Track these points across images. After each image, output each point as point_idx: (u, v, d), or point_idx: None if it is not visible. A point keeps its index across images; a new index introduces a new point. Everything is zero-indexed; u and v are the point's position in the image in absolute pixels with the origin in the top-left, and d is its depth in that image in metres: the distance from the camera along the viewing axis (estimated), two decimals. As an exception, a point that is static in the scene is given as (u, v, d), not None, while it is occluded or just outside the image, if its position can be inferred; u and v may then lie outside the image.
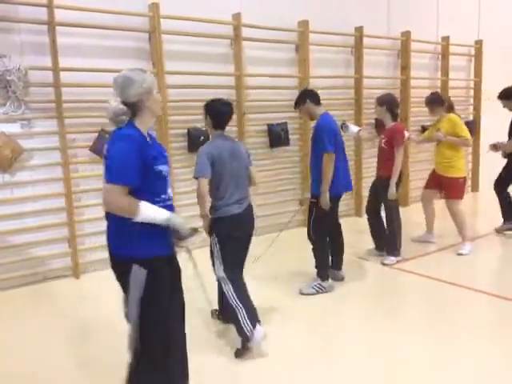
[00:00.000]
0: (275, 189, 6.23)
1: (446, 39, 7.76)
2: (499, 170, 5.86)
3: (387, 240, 4.94)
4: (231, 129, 5.43)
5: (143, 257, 2.25)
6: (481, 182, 8.41)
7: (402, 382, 2.90)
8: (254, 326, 3.13)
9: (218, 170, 3.21)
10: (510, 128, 5.74)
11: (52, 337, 3.54)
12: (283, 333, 3.50)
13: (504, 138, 5.72)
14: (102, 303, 4.07)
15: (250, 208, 3.38)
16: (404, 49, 7.23)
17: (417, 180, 7.42)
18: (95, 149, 4.76)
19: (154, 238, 2.27)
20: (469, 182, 8.18)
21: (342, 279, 4.45)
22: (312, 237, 4.21)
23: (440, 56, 7.86)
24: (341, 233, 4.45)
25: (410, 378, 2.92)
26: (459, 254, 5.09)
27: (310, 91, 4.31)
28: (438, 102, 5.18)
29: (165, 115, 5.02)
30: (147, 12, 4.99)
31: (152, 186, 2.25)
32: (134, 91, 2.24)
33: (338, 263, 4.46)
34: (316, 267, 4.22)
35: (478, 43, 8.27)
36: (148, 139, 2.31)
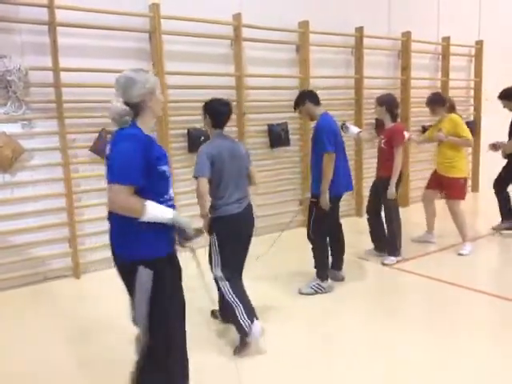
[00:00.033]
0: (275, 189, 6.23)
1: (446, 39, 7.76)
2: (499, 169, 5.87)
3: (387, 240, 4.94)
4: (231, 129, 5.44)
5: (148, 257, 2.25)
6: (481, 182, 8.41)
7: (402, 381, 2.90)
8: (252, 321, 3.16)
9: (218, 170, 3.22)
10: (510, 128, 5.75)
11: (52, 337, 3.54)
12: (283, 332, 3.50)
13: (504, 139, 5.73)
14: (102, 303, 4.07)
15: (249, 207, 3.39)
16: (404, 49, 7.23)
17: (417, 180, 7.43)
18: (95, 149, 4.76)
19: (157, 238, 2.27)
20: (469, 182, 8.17)
21: (342, 279, 4.45)
22: (312, 237, 4.21)
23: (440, 56, 7.87)
24: (342, 233, 4.45)
25: (410, 378, 2.92)
26: (459, 254, 5.09)
27: (309, 92, 4.31)
28: (439, 102, 5.18)
29: (165, 115, 5.03)
30: (148, 12, 5.00)
31: (156, 186, 2.25)
32: (137, 92, 2.25)
33: (338, 263, 4.47)
34: (315, 267, 4.22)
35: (479, 43, 8.27)
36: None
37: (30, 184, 4.60)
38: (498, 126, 5.96)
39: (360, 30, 6.62)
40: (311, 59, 6.20)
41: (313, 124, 4.32)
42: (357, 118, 6.80)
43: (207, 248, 3.32)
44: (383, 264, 4.85)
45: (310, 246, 4.24)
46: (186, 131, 5.40)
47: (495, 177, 5.90)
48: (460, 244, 5.21)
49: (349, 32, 6.62)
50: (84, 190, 4.87)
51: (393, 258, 4.88)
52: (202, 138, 5.20)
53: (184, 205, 4.87)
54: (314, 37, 6.21)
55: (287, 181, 6.38)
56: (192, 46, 5.40)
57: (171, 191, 2.38)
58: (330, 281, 4.23)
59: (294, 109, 4.28)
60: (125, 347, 3.28)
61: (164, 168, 2.28)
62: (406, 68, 7.26)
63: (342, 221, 4.49)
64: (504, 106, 5.67)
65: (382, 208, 4.95)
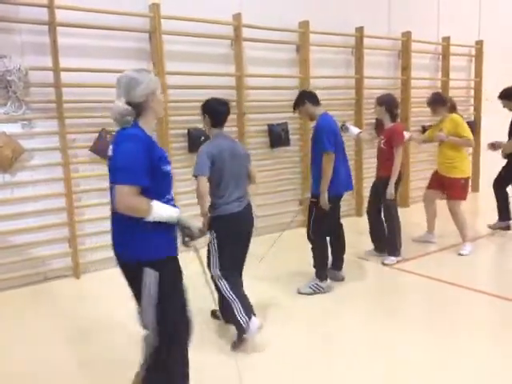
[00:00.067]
0: (275, 189, 6.23)
1: (446, 40, 7.76)
2: (499, 169, 5.88)
3: (387, 240, 4.94)
4: (231, 129, 5.44)
5: (154, 258, 2.25)
6: (481, 182, 8.41)
7: (402, 381, 2.90)
8: (250, 318, 3.19)
9: (219, 169, 3.23)
10: (509, 128, 5.75)
11: (52, 337, 3.54)
12: (283, 333, 3.50)
13: (504, 138, 5.73)
14: (103, 303, 4.07)
15: (249, 206, 3.42)
16: (404, 49, 7.23)
17: (417, 180, 7.43)
18: (96, 149, 4.77)
19: (162, 239, 2.28)
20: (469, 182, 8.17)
21: (342, 279, 4.45)
22: (311, 237, 4.21)
23: (440, 56, 7.87)
24: (342, 233, 4.45)
25: (410, 378, 2.92)
26: (460, 255, 5.09)
27: (308, 92, 4.31)
28: (440, 102, 5.18)
29: (165, 115, 5.02)
30: (148, 12, 5.00)
31: (159, 187, 2.26)
32: (140, 92, 2.24)
33: (338, 263, 4.47)
34: (314, 267, 4.21)
35: (479, 43, 8.27)
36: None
37: (30, 184, 4.60)
38: (498, 125, 5.96)
39: (360, 30, 6.62)
40: (311, 59, 6.20)
41: (313, 124, 4.32)
42: (357, 118, 6.80)
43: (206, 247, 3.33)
44: (383, 264, 4.85)
45: (310, 246, 4.24)
46: (186, 131, 5.40)
47: (495, 177, 5.90)
48: (460, 244, 5.21)
49: (349, 32, 6.62)
50: (84, 189, 4.87)
51: (393, 258, 4.88)
52: (202, 138, 5.20)
53: (184, 205, 4.86)
54: (314, 37, 6.21)
55: (287, 181, 6.38)
56: (192, 46, 5.40)
57: (172, 191, 2.39)
58: (329, 281, 4.23)
59: (294, 110, 4.28)
60: (125, 347, 3.29)
61: (168, 168, 2.29)
62: (406, 68, 7.26)
63: (342, 221, 4.49)
64: (504, 106, 5.67)
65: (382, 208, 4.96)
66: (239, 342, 3.22)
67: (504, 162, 5.81)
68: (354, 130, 5.00)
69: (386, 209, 4.87)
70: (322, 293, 4.16)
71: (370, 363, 3.07)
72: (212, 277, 3.32)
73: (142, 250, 2.24)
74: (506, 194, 5.88)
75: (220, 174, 3.25)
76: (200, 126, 5.17)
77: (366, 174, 6.83)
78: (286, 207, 6.23)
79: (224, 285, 3.27)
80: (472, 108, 8.49)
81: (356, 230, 5.83)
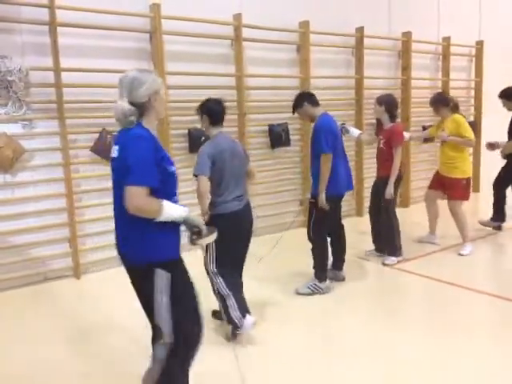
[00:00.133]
0: (276, 189, 6.23)
1: (446, 40, 7.76)
2: (499, 170, 5.89)
3: (386, 240, 4.94)
4: (232, 129, 5.44)
5: (165, 259, 2.24)
6: (481, 182, 8.41)
7: (402, 381, 2.90)
8: (244, 316, 3.25)
9: (220, 168, 3.26)
10: (509, 128, 5.75)
11: (52, 337, 3.54)
12: (283, 333, 3.50)
13: (505, 138, 5.73)
14: (103, 303, 4.08)
15: (248, 205, 3.45)
16: (405, 49, 7.23)
17: (418, 180, 7.44)
18: (96, 149, 4.77)
19: (171, 239, 2.28)
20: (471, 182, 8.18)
21: (342, 279, 4.45)
22: (312, 237, 4.21)
23: (441, 56, 7.86)
24: (343, 233, 4.45)
25: (410, 378, 2.92)
26: (460, 255, 5.09)
27: (306, 93, 4.31)
28: (443, 102, 5.18)
29: (166, 116, 5.03)
30: (148, 12, 5.00)
31: (167, 187, 2.25)
32: (144, 92, 2.23)
33: (338, 263, 4.46)
34: (314, 267, 4.21)
35: (479, 44, 8.27)
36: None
37: (31, 184, 4.60)
38: (499, 125, 5.96)
39: (360, 30, 6.62)
40: (312, 59, 6.20)
41: (313, 124, 4.31)
42: (357, 119, 6.80)
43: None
44: (384, 264, 4.85)
45: (311, 247, 4.24)
46: (186, 131, 5.40)
47: (495, 177, 5.91)
48: (460, 244, 5.21)
49: (349, 32, 6.62)
50: (84, 190, 4.87)
51: (393, 258, 4.88)
52: (203, 138, 5.19)
53: (185, 204, 4.86)
54: (314, 37, 6.21)
55: (288, 181, 6.38)
56: (192, 46, 5.40)
57: (177, 192, 2.39)
58: (328, 282, 4.22)
59: (293, 112, 4.28)
60: (125, 347, 3.30)
61: (173, 168, 2.28)
62: (406, 68, 7.25)
63: (343, 221, 4.49)
64: (503, 105, 5.68)
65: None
66: (233, 336, 3.32)
67: (504, 162, 5.82)
68: (355, 132, 4.99)
69: (384, 209, 4.87)
70: (321, 293, 4.16)
71: (370, 363, 3.07)
72: (208, 273, 3.35)
73: (153, 251, 2.22)
74: (505, 195, 5.89)
75: (221, 173, 3.27)
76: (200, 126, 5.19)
77: (366, 175, 6.83)
78: (286, 207, 6.23)
79: (220, 282, 3.30)
80: (472, 108, 8.48)
81: (356, 230, 5.84)
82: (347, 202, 6.64)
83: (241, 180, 3.39)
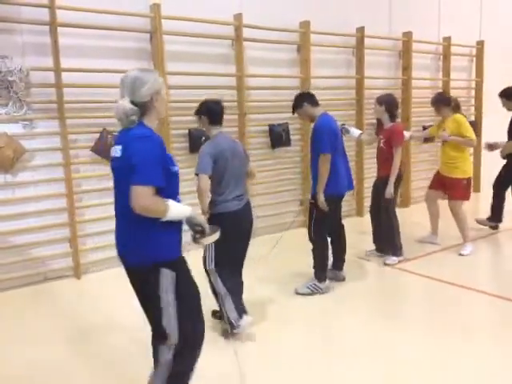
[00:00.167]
0: (276, 189, 6.23)
1: (447, 40, 7.75)
2: (500, 170, 5.89)
3: (386, 240, 4.93)
4: (232, 129, 5.45)
5: (170, 258, 2.24)
6: (482, 182, 8.40)
7: (402, 381, 2.90)
8: (241, 316, 3.27)
9: (220, 168, 3.27)
10: (509, 128, 5.75)
11: (52, 337, 3.55)
12: (283, 333, 3.50)
13: (505, 139, 5.73)
14: (103, 303, 4.08)
15: (248, 204, 3.46)
16: (405, 49, 7.22)
17: (418, 180, 7.43)
18: (97, 149, 4.77)
19: (175, 238, 2.28)
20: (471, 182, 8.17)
21: (342, 279, 4.45)
22: (312, 237, 4.21)
23: (441, 56, 7.86)
24: (343, 233, 4.45)
25: (410, 378, 2.92)
26: (460, 255, 5.09)
27: (306, 94, 4.30)
28: (444, 102, 5.17)
29: (166, 116, 5.03)
30: (148, 13, 5.00)
31: (171, 187, 2.25)
32: (146, 91, 2.22)
33: (339, 263, 4.46)
34: (314, 268, 4.21)
35: (480, 44, 8.26)
36: None
37: (32, 184, 4.60)
38: (499, 125, 5.95)
39: (361, 30, 6.62)
40: (312, 59, 6.20)
41: (313, 124, 4.31)
42: (358, 119, 6.80)
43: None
44: (385, 264, 4.84)
45: (311, 247, 4.24)
46: (187, 131, 5.40)
47: (495, 177, 5.92)
48: (461, 244, 5.21)
49: (350, 32, 6.62)
50: (85, 190, 4.87)
51: (394, 258, 4.87)
52: (203, 138, 5.19)
53: (185, 204, 4.88)
54: (314, 37, 6.21)
55: (288, 181, 6.38)
56: (193, 46, 5.40)
57: (179, 191, 2.39)
58: (327, 282, 4.22)
59: (293, 112, 4.27)
60: (125, 347, 3.30)
61: (176, 168, 2.28)
62: (406, 68, 7.25)
63: (343, 221, 4.49)
64: (503, 105, 5.68)
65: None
66: (230, 333, 3.33)
67: (504, 162, 5.82)
68: (355, 132, 4.99)
69: (384, 208, 4.87)
70: (321, 293, 4.16)
71: (370, 363, 3.07)
72: (206, 271, 3.36)
73: (159, 251, 2.21)
74: (504, 196, 5.89)
75: (221, 173, 3.28)
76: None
77: (366, 175, 6.82)
78: (286, 207, 6.23)
79: (218, 281, 3.31)
80: (473, 108, 8.48)
81: (357, 230, 5.83)
82: (347, 202, 6.64)
83: (241, 180, 3.41)
